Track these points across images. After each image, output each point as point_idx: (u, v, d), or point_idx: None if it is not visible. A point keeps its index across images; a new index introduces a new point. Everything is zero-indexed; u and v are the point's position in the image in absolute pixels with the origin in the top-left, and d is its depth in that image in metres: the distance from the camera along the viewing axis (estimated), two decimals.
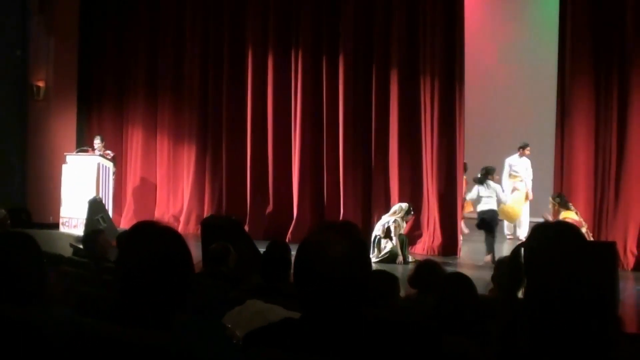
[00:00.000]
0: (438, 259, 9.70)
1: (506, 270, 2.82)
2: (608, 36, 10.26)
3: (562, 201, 10.10)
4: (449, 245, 11.41)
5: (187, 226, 13.79)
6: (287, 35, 13.17)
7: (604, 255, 5.86)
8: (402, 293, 5.10)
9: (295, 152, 13.02)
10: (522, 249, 2.30)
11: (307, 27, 12.91)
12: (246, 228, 12.08)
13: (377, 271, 4.81)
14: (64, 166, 13.44)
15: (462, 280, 4.05)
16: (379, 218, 11.80)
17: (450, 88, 11.54)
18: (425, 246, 11.56)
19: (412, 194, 11.84)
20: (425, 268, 5.24)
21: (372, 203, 12.36)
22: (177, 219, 14.25)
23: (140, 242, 2.29)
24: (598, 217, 10.21)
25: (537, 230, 2.30)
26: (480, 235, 11.11)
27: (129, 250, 2.30)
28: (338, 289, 1.98)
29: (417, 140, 11.83)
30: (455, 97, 11.45)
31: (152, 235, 2.30)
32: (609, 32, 10.25)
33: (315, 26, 12.88)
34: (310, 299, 2.02)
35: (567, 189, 10.42)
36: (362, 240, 2.10)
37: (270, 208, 13.28)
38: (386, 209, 11.97)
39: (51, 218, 13.93)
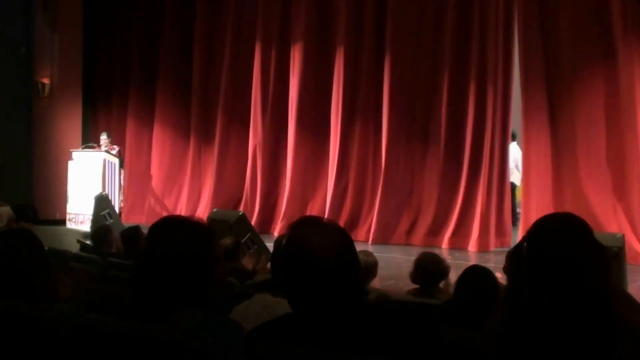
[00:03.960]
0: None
1: (510, 261, 2.80)
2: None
3: None
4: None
5: None
6: (326, 30, 12.84)
7: (611, 247, 5.84)
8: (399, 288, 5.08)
9: (290, 145, 12.97)
10: (521, 242, 2.29)
11: (348, 23, 12.52)
12: (252, 222, 12.12)
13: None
14: (69, 162, 13.47)
15: (484, 274, 3.98)
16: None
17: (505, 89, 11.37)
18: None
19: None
20: (425, 262, 5.16)
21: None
22: (180, 213, 14.25)
23: (171, 236, 2.25)
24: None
25: (542, 222, 2.29)
26: None
27: (158, 245, 2.26)
28: (327, 282, 1.98)
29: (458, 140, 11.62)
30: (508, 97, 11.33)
31: (183, 230, 2.27)
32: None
33: (358, 23, 12.53)
34: (299, 295, 2.02)
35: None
36: (342, 230, 2.10)
37: (277, 202, 13.28)
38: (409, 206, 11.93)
39: (57, 214, 13.96)
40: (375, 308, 2.13)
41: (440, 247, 11.31)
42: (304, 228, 2.07)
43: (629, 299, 3.11)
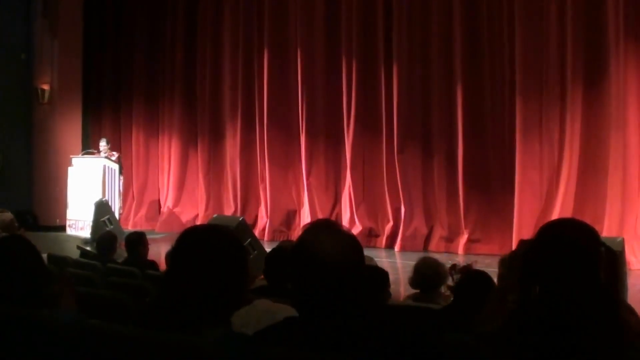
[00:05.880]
0: None
1: (518, 269, 2.81)
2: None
3: None
4: None
5: None
6: (334, 37, 12.86)
7: (612, 251, 5.85)
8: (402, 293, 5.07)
9: (303, 153, 12.99)
10: (531, 247, 2.29)
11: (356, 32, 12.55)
12: (255, 230, 12.18)
13: (367, 267, 4.78)
14: (69, 169, 13.45)
15: (483, 279, 3.96)
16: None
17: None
18: None
19: None
20: (424, 267, 5.16)
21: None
22: (182, 219, 14.26)
23: (204, 247, 2.23)
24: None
25: (550, 227, 2.30)
26: None
27: (191, 255, 2.23)
28: (333, 287, 1.98)
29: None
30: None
31: (216, 240, 2.25)
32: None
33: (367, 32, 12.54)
34: (307, 299, 2.02)
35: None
36: (353, 236, 2.11)
37: (281, 209, 13.30)
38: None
39: (57, 221, 13.96)
40: (376, 312, 2.14)
41: (458, 254, 11.34)
42: (316, 231, 2.08)
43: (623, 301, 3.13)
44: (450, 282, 5.69)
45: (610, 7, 10.22)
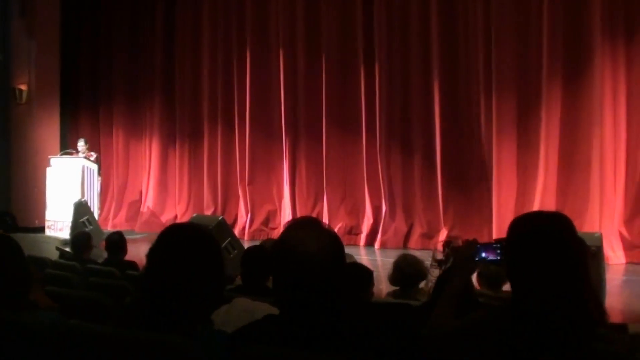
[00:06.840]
0: None
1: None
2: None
3: None
4: None
5: None
6: (315, 37, 12.86)
7: (589, 246, 5.90)
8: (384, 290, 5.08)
9: (285, 152, 13.00)
10: (509, 243, 2.30)
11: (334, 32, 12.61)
12: (235, 230, 12.14)
13: (352, 264, 4.80)
14: (48, 169, 13.37)
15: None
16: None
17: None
18: None
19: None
20: (404, 264, 5.18)
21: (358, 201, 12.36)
22: (162, 219, 14.22)
23: (184, 246, 2.22)
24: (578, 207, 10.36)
25: (520, 223, 2.31)
26: None
27: (171, 253, 2.22)
28: (314, 284, 1.99)
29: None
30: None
31: (195, 238, 2.24)
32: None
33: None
34: (287, 296, 2.03)
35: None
36: (334, 234, 2.12)
37: (262, 208, 13.28)
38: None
39: (36, 222, 13.87)
40: (357, 309, 2.15)
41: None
42: (297, 228, 2.08)
43: None
44: (440, 256, 5.70)
45: (589, 4, 10.29)
